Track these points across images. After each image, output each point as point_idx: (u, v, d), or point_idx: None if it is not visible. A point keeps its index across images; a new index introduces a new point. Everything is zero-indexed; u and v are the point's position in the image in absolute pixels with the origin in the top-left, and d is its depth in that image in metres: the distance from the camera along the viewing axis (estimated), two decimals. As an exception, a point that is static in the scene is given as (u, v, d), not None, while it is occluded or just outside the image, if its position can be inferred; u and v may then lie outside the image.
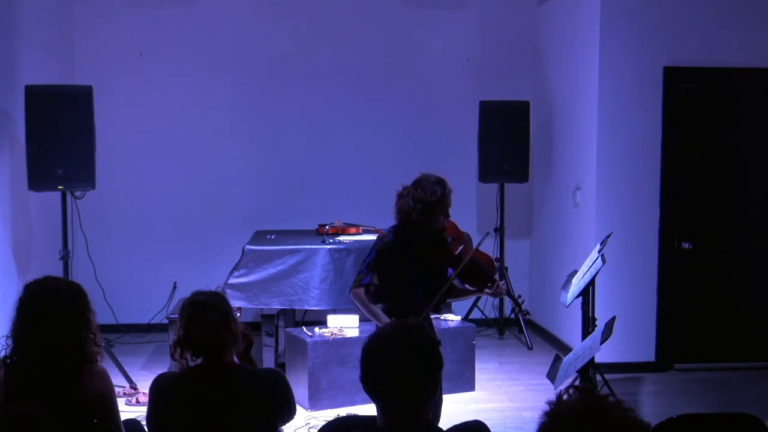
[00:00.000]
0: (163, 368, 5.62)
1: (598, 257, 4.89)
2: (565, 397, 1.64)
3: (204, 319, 2.77)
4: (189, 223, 7.31)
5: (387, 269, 3.91)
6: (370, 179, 7.33)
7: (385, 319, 3.86)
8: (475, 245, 4.07)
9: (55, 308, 2.78)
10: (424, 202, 3.83)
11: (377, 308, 3.92)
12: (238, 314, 4.53)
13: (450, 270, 4.01)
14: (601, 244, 5.05)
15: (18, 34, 5.84)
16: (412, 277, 3.93)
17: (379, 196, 7.13)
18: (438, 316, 5.53)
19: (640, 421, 1.60)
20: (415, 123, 7.45)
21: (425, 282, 3.92)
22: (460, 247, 4.02)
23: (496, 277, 4.05)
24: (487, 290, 3.98)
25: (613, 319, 4.68)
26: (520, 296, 4.24)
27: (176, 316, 5.69)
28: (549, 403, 1.64)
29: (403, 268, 3.92)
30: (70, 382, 2.76)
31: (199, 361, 2.83)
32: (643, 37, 5.99)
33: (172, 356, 2.84)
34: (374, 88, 7.42)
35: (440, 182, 3.89)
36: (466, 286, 4.09)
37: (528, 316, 4.21)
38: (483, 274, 4.01)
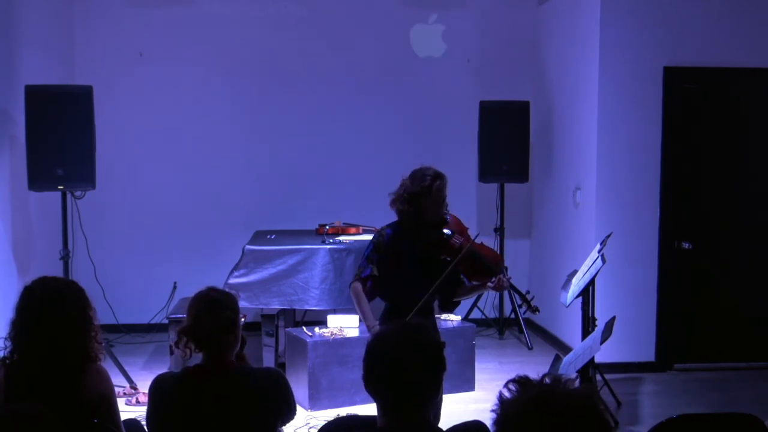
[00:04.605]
0: (163, 368, 5.62)
1: (598, 257, 4.90)
2: (507, 394, 1.62)
3: (214, 316, 2.78)
4: (189, 223, 7.31)
5: (385, 263, 3.91)
6: (370, 179, 7.32)
7: (372, 321, 3.89)
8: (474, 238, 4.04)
9: (56, 308, 2.78)
10: (409, 192, 3.85)
11: (368, 308, 3.92)
12: (243, 318, 4.54)
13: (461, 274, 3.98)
14: (601, 244, 5.05)
15: (18, 34, 5.84)
16: (411, 271, 3.92)
17: (380, 196, 7.08)
18: (439, 316, 5.52)
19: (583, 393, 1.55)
20: (415, 123, 7.45)
21: (426, 277, 3.90)
22: (461, 240, 3.98)
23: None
24: (489, 284, 3.91)
25: (613, 319, 4.68)
26: (528, 291, 4.12)
27: (176, 315, 5.71)
28: (493, 410, 1.62)
29: (400, 262, 3.91)
30: (71, 382, 2.76)
31: (198, 359, 2.83)
32: (643, 37, 5.99)
33: (176, 344, 2.84)
34: (374, 88, 7.42)
35: (433, 174, 3.87)
36: (473, 282, 4.04)
37: (538, 313, 4.09)
38: (485, 267, 3.94)
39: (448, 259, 3.93)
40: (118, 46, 7.17)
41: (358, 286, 3.94)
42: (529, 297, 4.03)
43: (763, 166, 6.24)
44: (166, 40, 7.22)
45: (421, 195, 3.84)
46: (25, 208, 5.95)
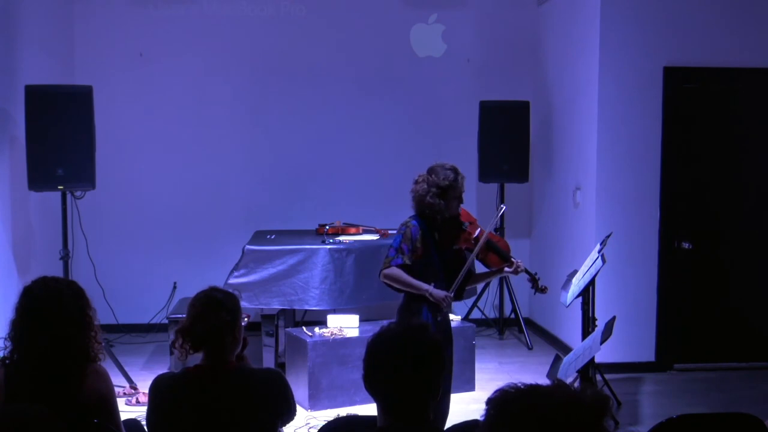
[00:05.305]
0: (163, 368, 5.62)
1: (598, 257, 4.90)
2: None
3: (213, 317, 2.77)
4: (189, 223, 7.31)
5: (411, 254, 3.97)
6: (370, 179, 7.33)
7: (425, 286, 3.91)
8: (488, 225, 4.20)
9: (56, 308, 2.78)
10: (438, 186, 3.98)
11: (413, 279, 3.93)
12: (246, 319, 4.52)
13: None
14: (601, 244, 5.05)
15: (18, 34, 5.84)
16: (434, 262, 4.01)
17: (380, 196, 7.18)
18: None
19: (595, 396, 1.54)
20: (415, 123, 7.45)
21: (446, 267, 4.02)
22: (478, 230, 4.15)
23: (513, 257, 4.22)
24: (507, 269, 4.15)
25: (613, 319, 4.68)
26: (536, 273, 4.35)
27: (176, 315, 5.70)
28: (488, 401, 1.62)
29: (425, 254, 3.99)
30: (70, 382, 2.76)
31: (198, 359, 2.83)
32: (643, 37, 5.99)
33: (173, 344, 2.84)
34: (374, 88, 7.41)
35: (453, 169, 4.06)
36: (491, 268, 4.24)
37: (548, 291, 4.34)
38: (501, 253, 4.18)
39: (464, 248, 4.10)
40: (118, 46, 7.16)
41: (393, 269, 3.93)
42: (537, 277, 4.34)
43: (763, 166, 6.23)
44: (166, 40, 7.22)
45: (448, 188, 4.00)
46: (25, 208, 5.95)
